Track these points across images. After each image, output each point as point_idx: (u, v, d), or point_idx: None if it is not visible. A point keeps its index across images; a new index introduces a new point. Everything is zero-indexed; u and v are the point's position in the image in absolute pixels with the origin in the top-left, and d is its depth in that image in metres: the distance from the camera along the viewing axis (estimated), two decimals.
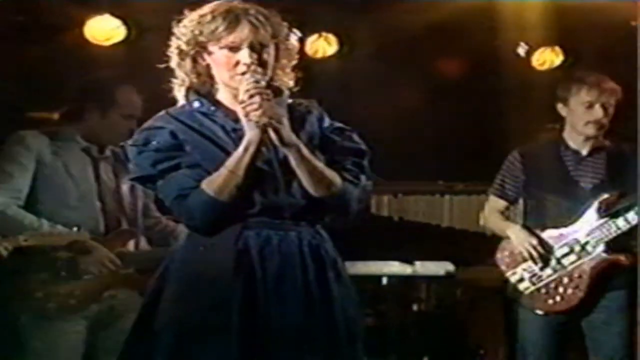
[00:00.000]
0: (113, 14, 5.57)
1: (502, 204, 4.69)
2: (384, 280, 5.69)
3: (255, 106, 2.88)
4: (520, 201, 4.74)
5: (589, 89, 4.50)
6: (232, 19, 2.98)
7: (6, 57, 5.36)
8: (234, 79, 3.00)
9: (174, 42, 3.05)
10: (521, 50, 6.33)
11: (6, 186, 4.18)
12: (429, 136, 6.17)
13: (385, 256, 5.66)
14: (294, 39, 3.13)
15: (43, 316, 4.19)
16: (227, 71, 3.01)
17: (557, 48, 6.37)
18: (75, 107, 4.39)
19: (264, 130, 2.90)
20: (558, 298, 4.51)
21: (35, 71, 5.43)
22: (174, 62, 3.05)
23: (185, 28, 3.02)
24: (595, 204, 4.48)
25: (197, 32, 2.99)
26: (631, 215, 4.42)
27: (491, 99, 5.77)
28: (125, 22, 5.56)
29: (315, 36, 6.10)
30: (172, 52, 3.05)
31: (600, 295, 4.51)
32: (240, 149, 2.93)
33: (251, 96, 2.89)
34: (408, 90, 6.20)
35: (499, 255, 4.67)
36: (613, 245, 4.48)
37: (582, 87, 4.51)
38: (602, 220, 4.48)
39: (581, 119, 4.52)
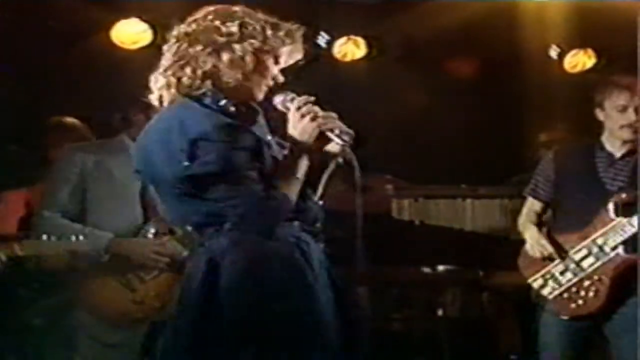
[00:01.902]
0: (140, 18, 5.60)
1: (537, 204, 4.66)
2: (408, 285, 5.65)
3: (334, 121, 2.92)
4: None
5: (622, 92, 4.44)
6: (293, 34, 3.01)
7: (35, 60, 5.43)
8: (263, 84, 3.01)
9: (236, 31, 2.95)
10: (553, 52, 6.26)
11: (52, 201, 4.35)
12: (452, 139, 6.11)
13: (408, 260, 5.62)
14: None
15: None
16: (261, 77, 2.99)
17: (589, 50, 6.30)
18: (125, 113, 4.46)
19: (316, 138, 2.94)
20: (580, 302, 4.43)
21: (63, 74, 5.48)
22: (236, 55, 2.94)
23: (252, 26, 2.96)
24: (611, 204, 4.42)
25: (269, 33, 2.97)
26: None
27: (521, 102, 5.71)
28: (152, 26, 5.59)
29: (344, 39, 6.10)
30: (246, 50, 2.95)
31: (623, 298, 4.42)
32: (304, 157, 2.95)
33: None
34: (435, 93, 6.16)
35: (520, 260, 4.61)
36: (633, 246, 4.40)
37: (614, 91, 4.46)
38: (617, 220, 4.41)
39: (616, 122, 4.47)
